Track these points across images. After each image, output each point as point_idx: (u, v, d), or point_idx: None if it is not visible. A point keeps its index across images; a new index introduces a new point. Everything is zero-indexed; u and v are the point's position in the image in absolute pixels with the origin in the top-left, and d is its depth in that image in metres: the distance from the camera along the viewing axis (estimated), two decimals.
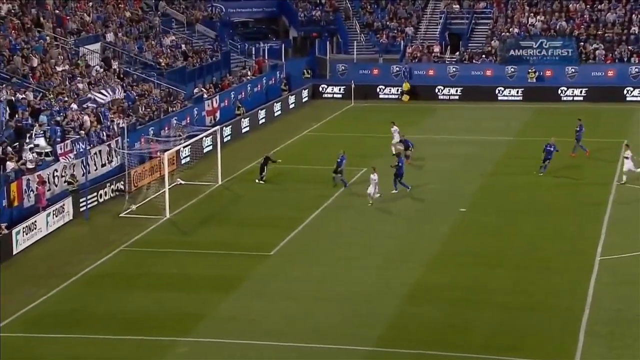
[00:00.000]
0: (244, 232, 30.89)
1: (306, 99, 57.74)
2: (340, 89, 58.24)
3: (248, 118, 48.85)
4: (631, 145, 36.21)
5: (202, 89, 49.15)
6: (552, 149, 37.35)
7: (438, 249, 28.91)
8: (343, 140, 45.68)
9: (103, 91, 37.57)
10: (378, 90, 58.04)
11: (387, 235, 30.38)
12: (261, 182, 37.30)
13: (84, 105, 37.08)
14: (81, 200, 33.07)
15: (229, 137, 45.39)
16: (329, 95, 58.67)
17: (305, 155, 41.94)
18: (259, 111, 50.75)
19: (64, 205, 32.15)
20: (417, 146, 40.55)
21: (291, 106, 55.12)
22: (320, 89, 58.90)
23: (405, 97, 56.91)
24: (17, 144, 33.23)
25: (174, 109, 44.04)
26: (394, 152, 38.62)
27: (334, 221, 32.22)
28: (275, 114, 52.53)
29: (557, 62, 56.62)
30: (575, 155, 39.44)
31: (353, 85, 56.12)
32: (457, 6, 63.27)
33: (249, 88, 53.38)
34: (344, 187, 35.29)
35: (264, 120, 50.75)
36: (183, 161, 40.33)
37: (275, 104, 53.11)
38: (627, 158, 35.08)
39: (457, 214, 32.54)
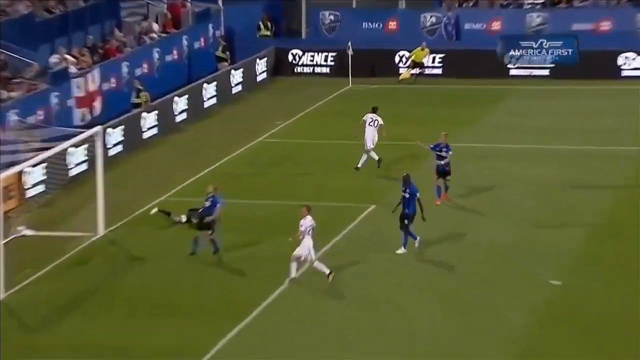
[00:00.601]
0: (145, 326, 30.87)
1: (264, 75, 58.60)
2: (326, 58, 59.11)
3: (156, 111, 49.14)
4: None
5: (68, 56, 49.27)
6: None
7: (512, 351, 29.10)
8: (331, 151, 46.10)
9: None
10: (397, 59, 59.08)
11: (414, 332, 30.18)
12: (157, 213, 38.14)
13: None
14: None
15: (119, 148, 45.89)
16: (306, 69, 60.13)
17: (258, 180, 41.34)
18: (176, 98, 50.87)
19: None
20: (462, 162, 40.78)
21: (236, 89, 55.33)
22: (290, 57, 60.39)
23: (406, 73, 58.70)
24: None
25: (14, 92, 43.76)
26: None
27: (305, 307, 32.20)
28: (206, 105, 53.18)
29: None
30: None
31: (350, 52, 57.24)
32: None
33: (156, 56, 54.01)
34: (213, 251, 35.46)
35: (184, 115, 50.88)
36: (31, 192, 40.42)
37: (205, 85, 53.52)
38: None
39: (545, 288, 32.81)
